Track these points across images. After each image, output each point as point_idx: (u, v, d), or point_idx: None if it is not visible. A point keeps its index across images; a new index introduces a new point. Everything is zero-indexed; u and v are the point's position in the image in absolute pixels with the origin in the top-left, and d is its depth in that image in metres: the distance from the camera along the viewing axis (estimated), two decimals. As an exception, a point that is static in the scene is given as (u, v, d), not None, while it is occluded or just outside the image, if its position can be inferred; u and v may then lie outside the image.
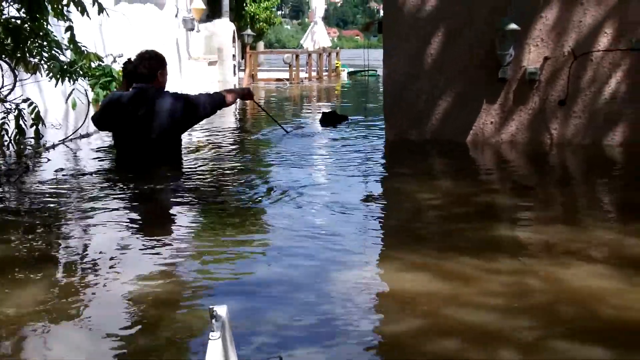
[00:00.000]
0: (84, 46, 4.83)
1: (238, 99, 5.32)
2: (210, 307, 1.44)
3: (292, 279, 2.46)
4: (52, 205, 3.55)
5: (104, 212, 3.35)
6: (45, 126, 5.12)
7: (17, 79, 5.00)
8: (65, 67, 4.75)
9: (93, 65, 5.35)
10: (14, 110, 4.78)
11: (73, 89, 5.31)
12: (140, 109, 4.48)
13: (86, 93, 6.03)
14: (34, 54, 4.60)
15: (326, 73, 20.32)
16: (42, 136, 5.15)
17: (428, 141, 5.63)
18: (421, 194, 3.89)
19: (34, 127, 4.87)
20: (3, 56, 4.68)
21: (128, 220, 3.28)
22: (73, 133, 5.97)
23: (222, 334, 1.44)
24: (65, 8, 4.52)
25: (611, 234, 3.06)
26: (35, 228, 3.17)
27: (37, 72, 4.77)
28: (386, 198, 3.91)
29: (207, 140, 6.12)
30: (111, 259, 2.68)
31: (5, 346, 1.95)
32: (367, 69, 19.07)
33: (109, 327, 2.06)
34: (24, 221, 3.27)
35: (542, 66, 5.45)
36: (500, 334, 2.00)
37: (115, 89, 6.62)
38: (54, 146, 5.46)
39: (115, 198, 3.67)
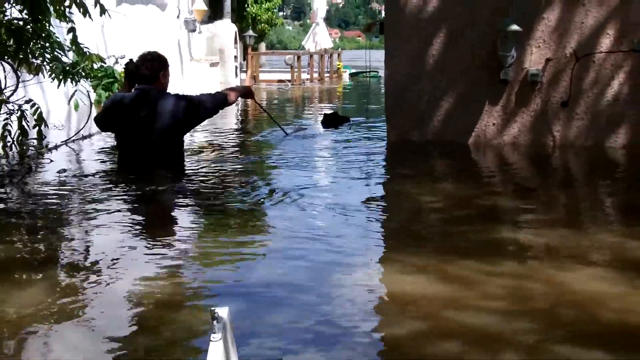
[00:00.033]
0: (86, 47, 4.84)
1: (240, 97, 5.31)
2: (212, 308, 1.44)
3: (293, 281, 2.46)
4: (54, 206, 3.56)
5: (106, 213, 3.35)
6: (47, 127, 5.13)
7: (20, 80, 5.01)
8: (67, 68, 4.75)
9: (95, 66, 5.35)
10: (16, 111, 4.79)
11: (75, 90, 5.33)
12: (142, 110, 4.49)
13: (88, 94, 6.05)
14: (37, 55, 4.61)
15: (328, 74, 20.32)
16: (45, 137, 5.16)
17: (430, 142, 5.63)
18: (423, 196, 3.89)
19: (37, 128, 4.88)
20: (6, 57, 4.69)
21: (130, 222, 3.28)
22: (75, 134, 5.98)
23: (223, 336, 1.44)
24: (67, 9, 4.52)
25: (613, 237, 3.05)
26: (37, 229, 3.18)
27: (40, 73, 4.77)
28: (388, 200, 3.91)
29: (208, 141, 6.13)
30: (112, 260, 2.69)
31: (7, 347, 1.95)
32: (368, 70, 19.08)
33: (110, 328, 2.06)
34: (26, 222, 3.28)
35: (544, 68, 5.44)
36: (501, 336, 2.00)
37: (117, 90, 6.62)
38: (56, 147, 5.47)
39: (117, 199, 3.68)
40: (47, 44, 4.60)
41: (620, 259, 2.76)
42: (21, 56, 4.53)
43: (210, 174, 4.47)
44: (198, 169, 4.65)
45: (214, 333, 1.44)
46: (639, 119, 5.31)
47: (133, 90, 4.62)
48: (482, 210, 3.61)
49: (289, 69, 18.01)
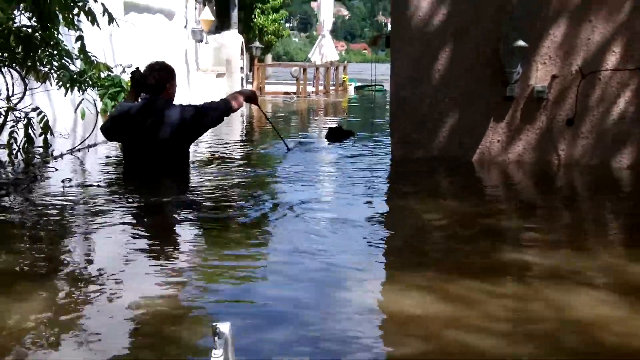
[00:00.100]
0: (93, 56, 4.85)
1: (244, 103, 5.26)
2: (213, 323, 1.44)
3: (295, 297, 2.46)
4: (57, 217, 3.56)
5: (109, 225, 3.35)
6: (53, 135, 5.14)
7: (27, 87, 5.03)
8: (75, 76, 4.77)
9: (102, 75, 5.37)
10: (23, 119, 4.80)
11: (82, 99, 5.34)
12: (148, 120, 4.50)
13: (95, 103, 6.07)
14: (44, 62, 4.63)
15: (333, 87, 20.35)
16: (51, 145, 5.17)
17: (435, 158, 5.62)
18: (426, 213, 3.87)
19: (43, 136, 4.89)
20: (14, 64, 4.71)
21: (132, 234, 3.28)
22: (81, 143, 6.00)
23: (224, 352, 1.44)
24: (76, 17, 4.55)
25: (616, 259, 3.04)
26: (39, 240, 3.18)
27: (47, 81, 4.79)
28: (391, 216, 3.90)
29: (212, 153, 6.13)
30: (114, 273, 2.68)
31: (7, 359, 1.95)
32: (374, 83, 19.09)
33: (110, 341, 2.06)
34: (29, 233, 3.28)
35: (550, 84, 5.43)
36: (502, 358, 1.99)
37: (123, 99, 6.65)
38: (62, 155, 5.48)
39: (120, 211, 3.67)
40: (55, 52, 4.62)
41: (623, 281, 2.74)
42: (29, 64, 4.55)
43: (214, 187, 4.47)
44: (202, 181, 4.65)
45: (216, 349, 1.43)
46: (645, 138, 5.30)
47: (139, 99, 4.63)
48: (486, 228, 3.59)
49: (295, 81, 18.05)
